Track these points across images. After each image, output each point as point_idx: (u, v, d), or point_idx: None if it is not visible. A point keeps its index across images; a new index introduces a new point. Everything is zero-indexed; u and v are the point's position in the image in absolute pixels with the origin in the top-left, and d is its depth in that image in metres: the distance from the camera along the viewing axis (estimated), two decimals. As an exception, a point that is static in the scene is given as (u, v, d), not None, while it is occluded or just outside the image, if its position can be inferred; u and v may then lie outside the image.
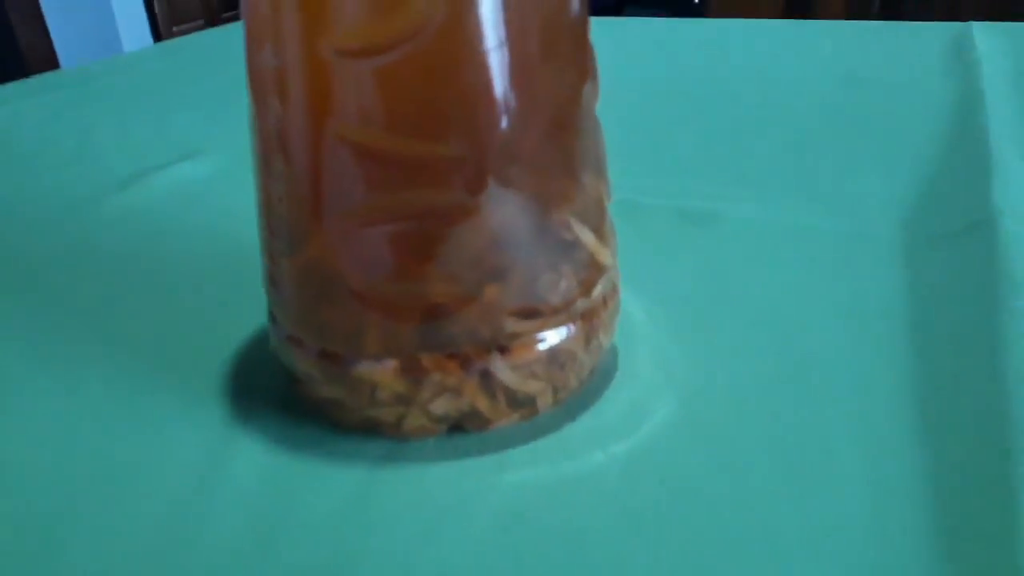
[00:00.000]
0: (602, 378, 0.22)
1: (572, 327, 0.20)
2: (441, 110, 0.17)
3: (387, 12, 0.16)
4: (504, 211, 0.18)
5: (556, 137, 0.18)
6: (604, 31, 0.61)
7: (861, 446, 0.19)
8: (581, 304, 0.20)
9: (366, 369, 0.19)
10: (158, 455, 0.20)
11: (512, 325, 0.19)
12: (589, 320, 0.20)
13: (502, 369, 0.19)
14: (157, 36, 1.27)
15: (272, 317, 0.21)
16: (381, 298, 0.18)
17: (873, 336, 0.23)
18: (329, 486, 0.19)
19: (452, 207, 0.18)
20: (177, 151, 0.42)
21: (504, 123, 0.17)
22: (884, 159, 0.34)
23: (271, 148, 0.19)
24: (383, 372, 0.19)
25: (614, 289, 0.21)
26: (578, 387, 0.21)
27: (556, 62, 0.18)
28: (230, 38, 0.69)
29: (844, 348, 0.22)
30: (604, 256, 0.20)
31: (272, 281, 0.20)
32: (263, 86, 0.18)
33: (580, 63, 0.19)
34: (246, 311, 0.26)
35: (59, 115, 0.51)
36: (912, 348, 0.22)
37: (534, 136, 0.18)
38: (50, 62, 0.78)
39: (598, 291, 0.20)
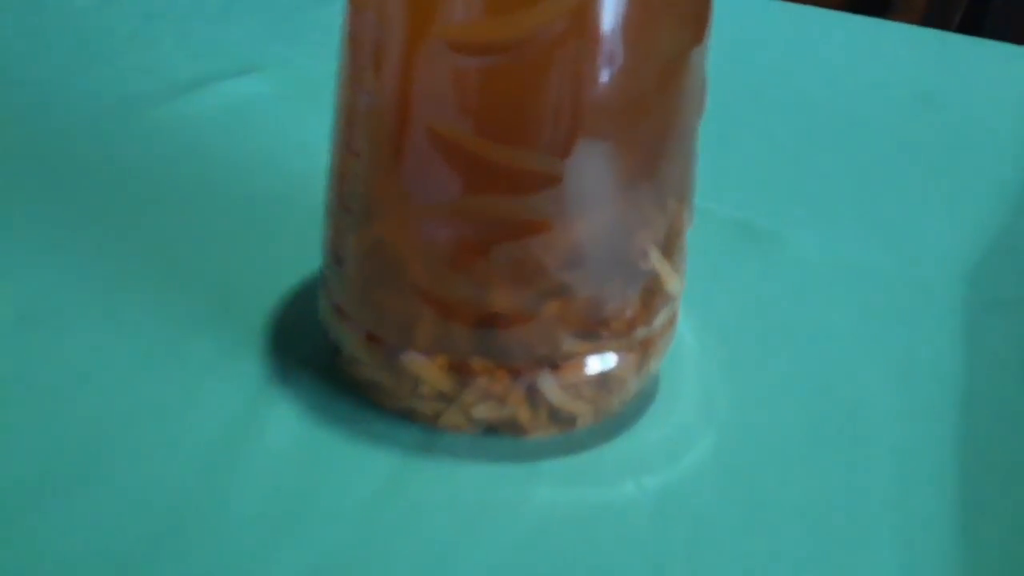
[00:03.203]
0: (643, 400, 0.21)
1: (628, 352, 0.19)
2: (539, 122, 0.16)
3: (506, 12, 0.15)
4: (580, 232, 0.17)
5: (652, 164, 0.18)
6: None
7: (893, 509, 0.19)
8: (641, 331, 0.19)
9: (413, 361, 0.19)
10: (191, 406, 0.20)
11: (568, 344, 0.18)
12: (645, 347, 0.19)
13: (550, 386, 0.19)
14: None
15: (324, 282, 0.21)
16: (440, 295, 0.18)
17: (920, 398, 0.22)
18: (361, 468, 0.19)
19: (529, 221, 0.17)
20: (237, 62, 0.41)
21: (602, 147, 0.17)
22: (956, 198, 0.33)
23: (355, 124, 0.18)
24: (430, 367, 0.18)
25: (674, 316, 0.21)
26: (620, 408, 0.20)
27: (668, 91, 0.17)
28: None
29: (889, 405, 0.22)
30: (673, 285, 0.19)
31: (332, 251, 0.20)
32: (359, 52, 0.18)
33: (692, 92, 0.18)
34: (296, 254, 0.26)
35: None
36: (957, 417, 0.22)
37: (630, 163, 0.17)
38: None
39: (660, 319, 0.19)
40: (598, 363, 0.19)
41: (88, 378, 0.21)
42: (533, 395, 0.19)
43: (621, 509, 0.18)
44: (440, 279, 0.18)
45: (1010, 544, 0.18)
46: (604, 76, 0.16)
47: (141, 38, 0.44)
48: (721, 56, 0.49)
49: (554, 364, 0.18)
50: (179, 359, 0.21)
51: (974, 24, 0.97)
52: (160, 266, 0.25)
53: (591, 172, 0.17)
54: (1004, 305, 0.26)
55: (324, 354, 0.22)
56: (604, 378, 0.19)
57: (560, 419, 0.19)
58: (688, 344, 0.24)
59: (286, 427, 0.20)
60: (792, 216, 0.31)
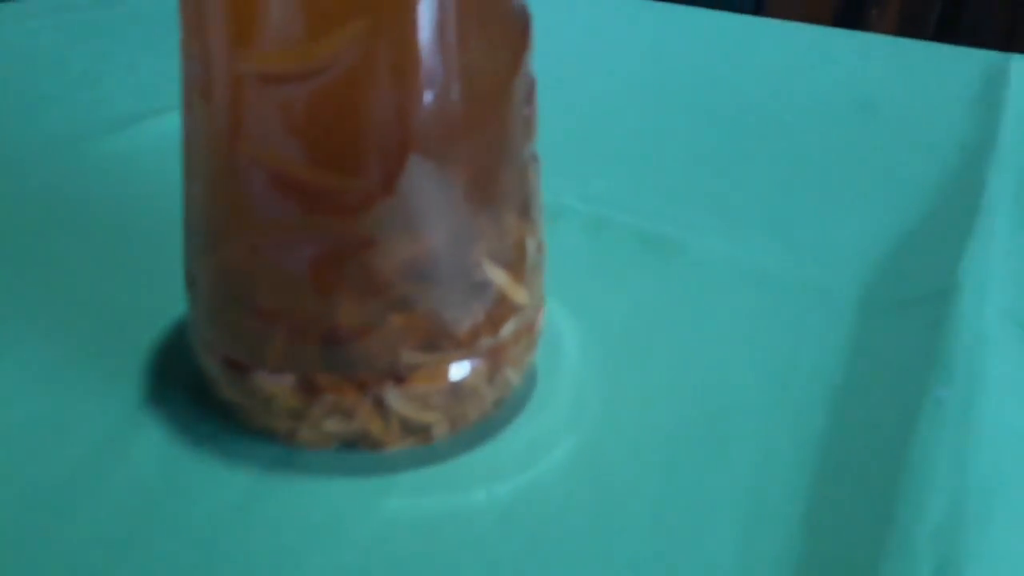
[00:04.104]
0: (513, 405, 0.22)
1: (475, 362, 0.19)
2: (353, 144, 0.17)
3: (302, 41, 0.16)
4: (414, 246, 0.18)
5: (476, 181, 0.18)
6: (612, 13, 0.59)
7: (742, 520, 0.19)
8: (487, 341, 0.19)
9: (264, 380, 0.19)
10: (65, 426, 0.21)
11: (411, 356, 0.19)
12: (495, 356, 0.20)
13: (396, 398, 0.19)
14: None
15: (189, 306, 0.21)
16: (285, 315, 0.18)
17: (792, 403, 0.22)
18: (217, 485, 0.19)
19: (359, 238, 0.18)
20: (179, 97, 0.42)
21: (421, 166, 0.17)
22: (870, 203, 0.33)
23: (192, 151, 0.19)
24: (280, 386, 0.19)
25: (530, 326, 0.21)
26: (479, 417, 0.21)
27: (484, 110, 0.18)
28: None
29: (760, 411, 0.22)
30: (518, 296, 0.20)
31: (187, 274, 0.20)
32: (188, 80, 0.18)
33: (514, 109, 0.18)
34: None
35: (75, 39, 0.51)
36: (826, 423, 0.22)
37: (452, 178, 0.18)
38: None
39: (508, 329, 0.20)
40: (445, 373, 0.19)
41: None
42: (381, 407, 0.19)
43: (469, 516, 0.19)
44: (283, 298, 0.18)
45: (848, 549, 0.18)
46: (408, 99, 0.17)
47: (91, 76, 0.45)
48: (662, 67, 0.49)
49: (399, 376, 0.19)
50: (62, 382, 0.22)
51: (950, 28, 0.97)
52: (65, 293, 0.26)
53: (413, 190, 0.17)
54: (898, 307, 0.26)
55: (197, 377, 0.22)
56: (453, 388, 0.19)
57: (413, 430, 0.20)
58: (570, 350, 0.24)
59: (152, 447, 0.20)
60: (700, 225, 0.31)
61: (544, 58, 0.49)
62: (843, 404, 0.22)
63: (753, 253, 0.29)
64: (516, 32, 0.18)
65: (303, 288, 0.18)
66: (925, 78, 0.49)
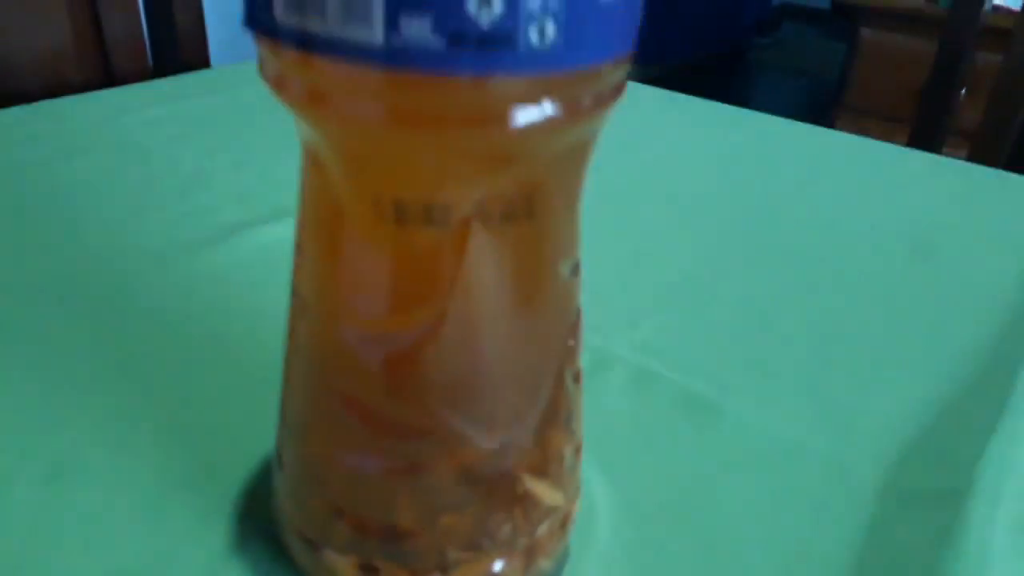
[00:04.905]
0: (545, 583, 0.24)
1: (512, 558, 0.22)
2: (419, 387, 0.20)
3: (385, 316, 0.19)
4: (463, 464, 0.21)
5: (519, 410, 0.21)
6: (654, 124, 0.60)
7: None
8: (523, 541, 0.22)
9: (331, 557, 0.22)
10: (163, 571, 0.24)
11: (456, 554, 0.22)
12: (530, 552, 0.23)
13: (442, 587, 0.22)
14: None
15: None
16: (352, 510, 0.22)
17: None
18: (285, 642, 0.23)
19: (418, 458, 0.21)
20: (277, 206, 0.46)
21: (473, 401, 0.20)
22: (906, 370, 0.35)
23: (289, 368, 0.22)
24: (344, 564, 0.22)
25: (565, 519, 0.24)
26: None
27: (534, 352, 0.21)
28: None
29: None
30: (555, 500, 0.23)
31: (277, 451, 0.24)
32: (293, 316, 0.22)
33: (560, 345, 0.21)
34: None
35: (187, 131, 0.57)
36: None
37: (499, 410, 0.21)
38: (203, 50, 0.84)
39: (543, 528, 0.23)
40: (485, 568, 0.22)
41: (87, 537, 0.25)
42: (429, 592, 0.22)
43: None
44: (352, 496, 0.22)
45: None
46: (465, 355, 0.20)
47: (200, 177, 0.50)
48: (720, 190, 0.51)
49: (445, 568, 0.22)
50: (161, 522, 0.26)
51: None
52: (167, 422, 0.30)
53: (467, 423, 0.20)
54: (918, 498, 0.28)
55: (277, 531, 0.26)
56: (491, 580, 0.22)
57: (455, 611, 0.23)
58: (603, 522, 0.27)
59: (233, 599, 0.24)
60: (738, 386, 0.33)
61: (609, 178, 0.52)
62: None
63: (785, 421, 0.31)
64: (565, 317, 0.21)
65: (368, 491, 0.21)
66: (989, 215, 0.50)
